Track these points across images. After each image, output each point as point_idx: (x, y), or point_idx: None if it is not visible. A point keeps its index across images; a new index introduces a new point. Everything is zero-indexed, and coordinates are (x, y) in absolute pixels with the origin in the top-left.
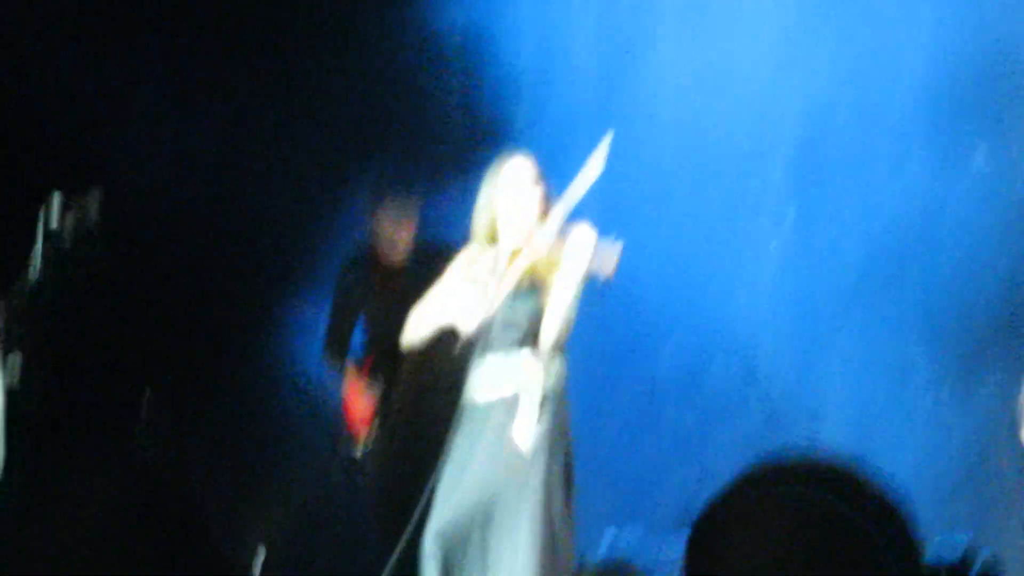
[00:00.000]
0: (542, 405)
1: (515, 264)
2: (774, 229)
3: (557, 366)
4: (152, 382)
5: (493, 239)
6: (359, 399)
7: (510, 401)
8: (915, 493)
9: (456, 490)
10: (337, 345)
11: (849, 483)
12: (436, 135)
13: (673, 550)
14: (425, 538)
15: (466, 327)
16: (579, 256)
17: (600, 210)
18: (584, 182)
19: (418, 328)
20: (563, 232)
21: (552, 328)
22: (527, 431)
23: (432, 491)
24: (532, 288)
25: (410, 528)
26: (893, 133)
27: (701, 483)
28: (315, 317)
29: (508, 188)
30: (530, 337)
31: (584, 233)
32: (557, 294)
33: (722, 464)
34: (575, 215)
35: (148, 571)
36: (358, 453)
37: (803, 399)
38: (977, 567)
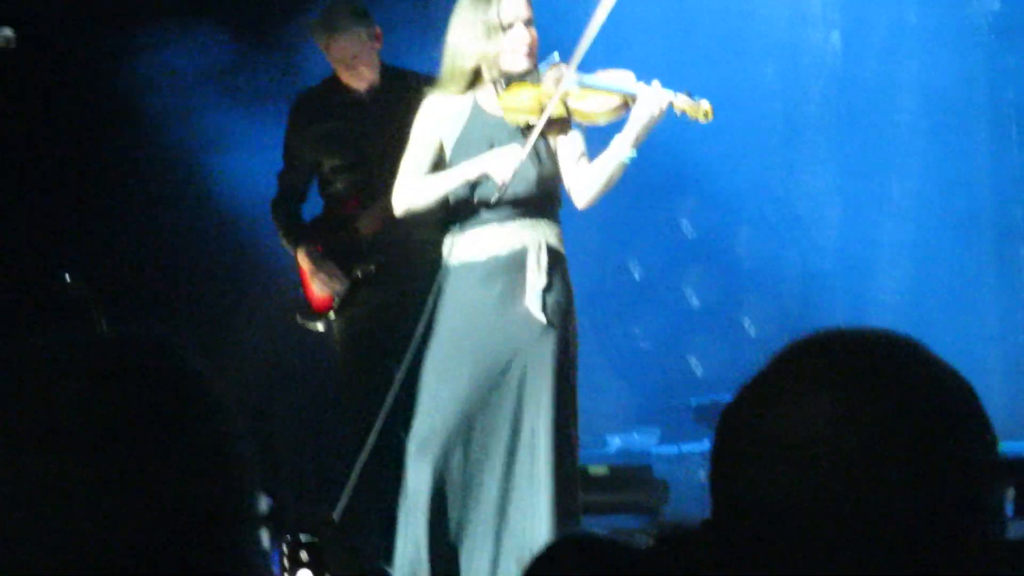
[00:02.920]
0: (554, 268)
1: (531, 117)
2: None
3: (559, 226)
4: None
5: (470, 84)
6: (323, 272)
7: (513, 262)
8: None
9: (453, 364)
10: (290, 198)
11: (908, 362)
12: None
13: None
14: (414, 431)
15: (502, 175)
16: (649, 107)
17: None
18: (600, 17)
19: (429, 192)
20: (590, 79)
21: (596, 187)
22: (539, 297)
23: (411, 366)
24: (544, 143)
25: (387, 407)
26: None
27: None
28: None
29: (504, 20)
30: (536, 196)
31: (651, 86)
32: (613, 150)
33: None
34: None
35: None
36: (320, 327)
37: (846, 277)
38: None
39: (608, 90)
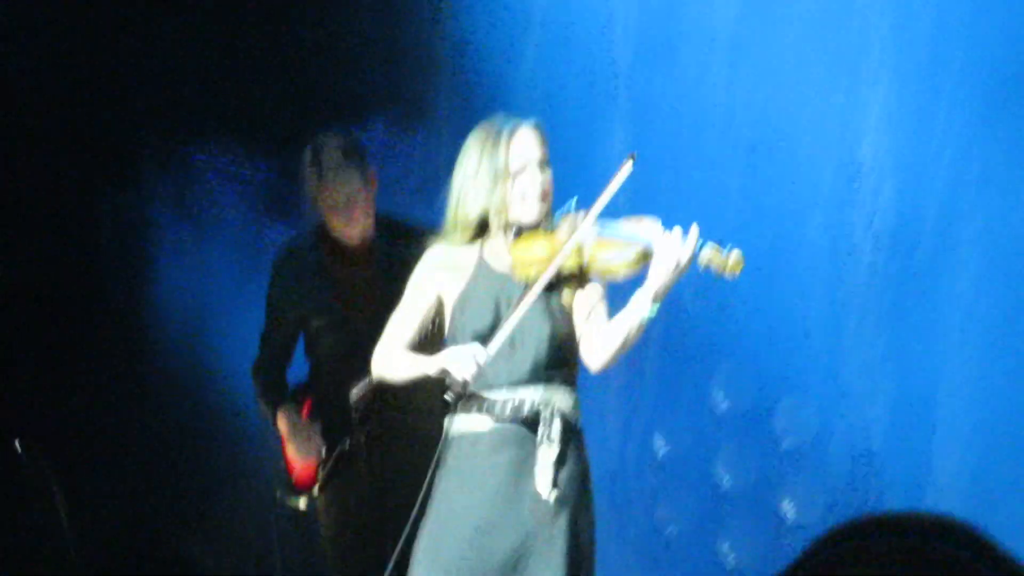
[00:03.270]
0: (568, 441)
1: (544, 271)
2: (861, 226)
3: (575, 393)
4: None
5: (476, 234)
6: (301, 436)
7: (522, 432)
8: None
9: (449, 548)
10: (274, 361)
11: (966, 537)
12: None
13: None
14: None
15: (463, 374)
16: (669, 259)
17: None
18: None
19: (397, 370)
20: (609, 229)
21: (612, 347)
22: (550, 473)
23: (408, 548)
24: (557, 300)
25: None
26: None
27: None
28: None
29: (513, 165)
30: (548, 359)
31: (671, 233)
32: (632, 306)
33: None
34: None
35: None
36: (302, 504)
37: (902, 455)
38: None
39: (627, 240)
